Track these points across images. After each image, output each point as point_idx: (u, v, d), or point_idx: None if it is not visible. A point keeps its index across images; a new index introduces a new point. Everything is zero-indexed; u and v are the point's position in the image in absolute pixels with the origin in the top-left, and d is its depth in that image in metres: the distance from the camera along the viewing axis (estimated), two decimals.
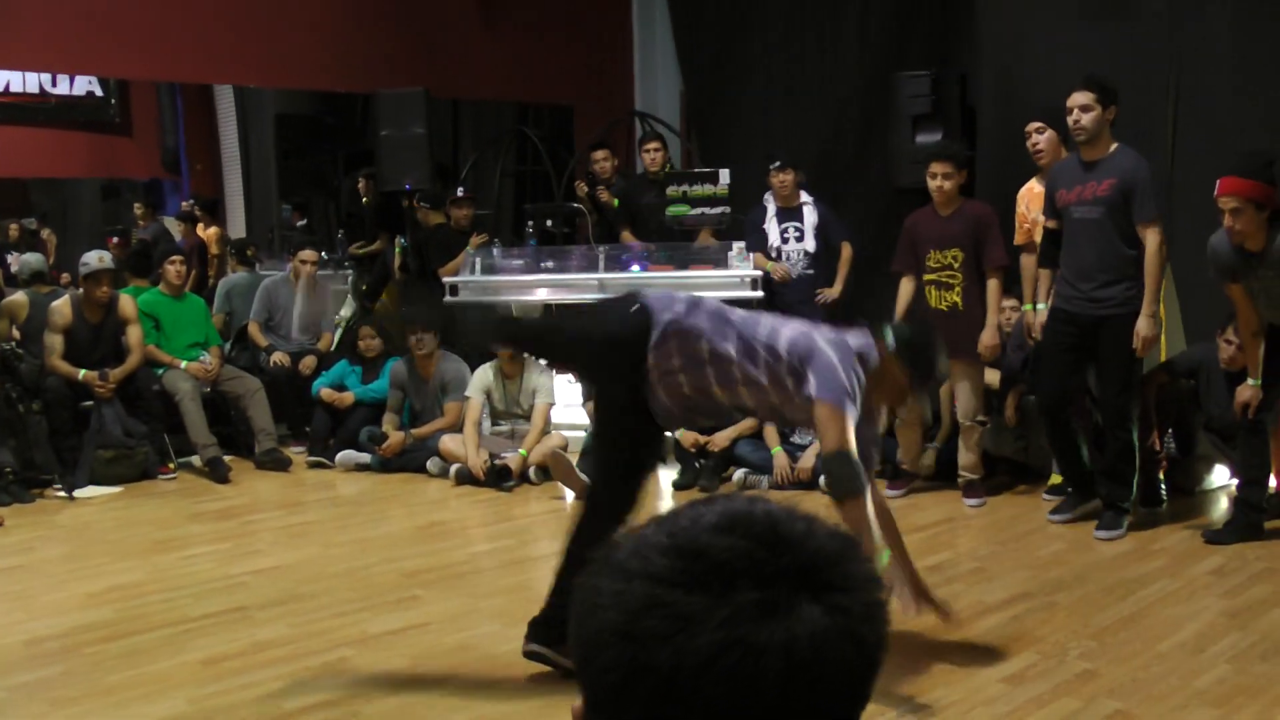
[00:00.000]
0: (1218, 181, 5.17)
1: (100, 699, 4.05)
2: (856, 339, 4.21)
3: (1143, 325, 5.83)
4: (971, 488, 6.83)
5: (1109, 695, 3.98)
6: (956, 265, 6.66)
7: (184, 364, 8.18)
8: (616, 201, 9.39)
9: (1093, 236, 5.92)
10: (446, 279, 8.79)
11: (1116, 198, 5.82)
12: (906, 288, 6.88)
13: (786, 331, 4.14)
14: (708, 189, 8.63)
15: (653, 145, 9.10)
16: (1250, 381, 5.66)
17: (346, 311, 10.57)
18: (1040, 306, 6.35)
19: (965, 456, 6.82)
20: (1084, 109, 5.83)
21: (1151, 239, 5.80)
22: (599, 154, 9.55)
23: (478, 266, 8.78)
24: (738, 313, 4.23)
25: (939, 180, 6.63)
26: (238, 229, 12.88)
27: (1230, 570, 5.42)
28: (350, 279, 10.89)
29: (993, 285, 6.64)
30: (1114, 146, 5.91)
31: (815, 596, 0.94)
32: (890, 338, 4.25)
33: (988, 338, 6.58)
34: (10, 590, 5.47)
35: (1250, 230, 5.16)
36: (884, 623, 0.99)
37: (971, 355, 6.61)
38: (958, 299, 6.66)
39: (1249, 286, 5.43)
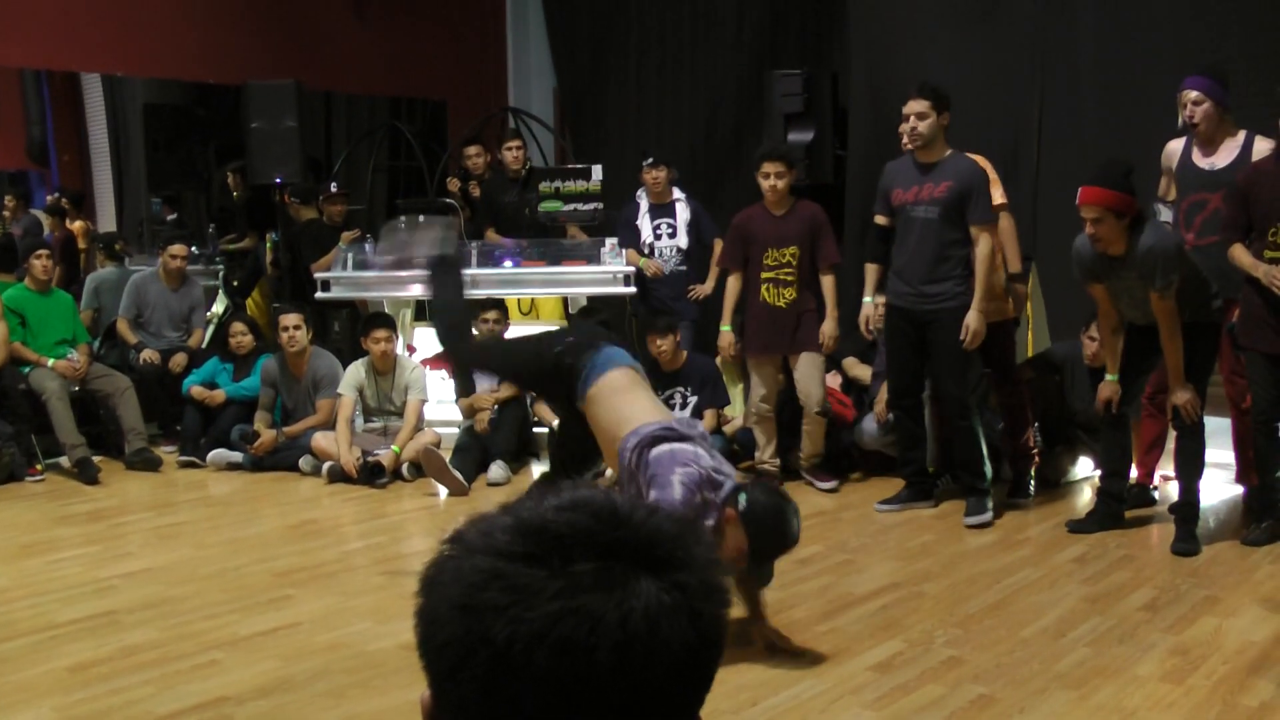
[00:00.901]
0: (1079, 190, 5.32)
1: None
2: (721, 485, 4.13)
3: (972, 319, 6.09)
4: (817, 470, 7.04)
5: (973, 680, 4.10)
6: (795, 263, 6.81)
7: (51, 362, 7.99)
8: None
9: (928, 235, 6.15)
10: (318, 274, 8.71)
11: (952, 199, 6.08)
12: (734, 284, 7.05)
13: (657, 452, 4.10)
14: (580, 185, 8.65)
15: (514, 144, 9.09)
16: (1109, 377, 5.84)
17: (218, 308, 10.42)
18: (866, 300, 6.54)
19: (808, 444, 6.99)
20: (920, 116, 6.08)
21: (984, 241, 6.09)
22: (472, 150, 9.53)
23: (350, 262, 8.70)
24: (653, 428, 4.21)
25: (772, 180, 6.77)
26: (107, 222, 12.59)
27: (1091, 558, 5.59)
28: (221, 274, 10.73)
29: (828, 281, 6.86)
30: (949, 151, 6.18)
31: (653, 572, 0.95)
32: (743, 502, 4.05)
33: (829, 328, 6.79)
34: None
35: (1111, 237, 5.32)
36: (723, 603, 1.00)
37: (814, 346, 6.79)
38: (794, 295, 6.82)
39: (1111, 287, 5.60)
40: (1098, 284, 5.66)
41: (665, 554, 0.96)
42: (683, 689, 0.96)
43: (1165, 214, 6.10)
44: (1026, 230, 6.99)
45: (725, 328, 7.07)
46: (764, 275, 6.88)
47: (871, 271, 6.51)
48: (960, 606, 4.90)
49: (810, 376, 6.84)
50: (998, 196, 6.34)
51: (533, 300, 9.11)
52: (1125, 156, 5.81)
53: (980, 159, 6.35)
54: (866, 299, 6.57)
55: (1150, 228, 5.36)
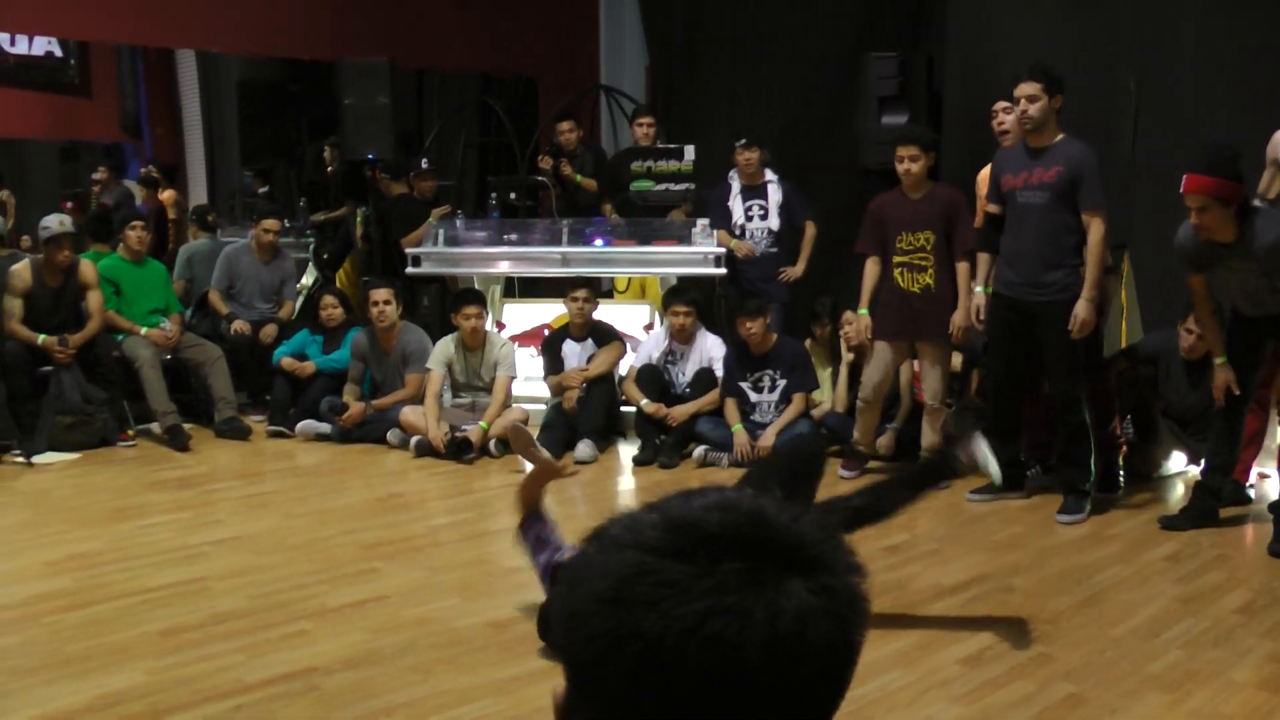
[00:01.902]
0: (1184, 178, 5.19)
1: (58, 669, 4.03)
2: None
3: (1081, 309, 5.91)
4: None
5: (1063, 679, 4.03)
6: (929, 248, 6.68)
7: (144, 330, 8.12)
8: (579, 176, 9.38)
9: (1037, 222, 5.99)
10: (409, 249, 8.76)
11: (1063, 184, 5.91)
12: (872, 269, 6.90)
13: None
14: (673, 165, 8.64)
15: (645, 120, 9.08)
16: (1219, 361, 5.69)
17: (308, 280, 10.53)
18: (979, 290, 6.42)
19: (929, 438, 6.87)
20: (1030, 99, 5.91)
21: (1095, 227, 5.90)
22: (564, 125, 9.53)
23: (440, 238, 8.75)
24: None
25: (906, 164, 6.65)
26: (200, 195, 12.76)
27: (1184, 556, 5.48)
28: (312, 247, 10.83)
29: (963, 268, 6.67)
30: (1060, 135, 6.01)
31: (801, 573, 0.95)
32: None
33: (960, 319, 6.61)
34: None
35: (1217, 226, 5.19)
36: (865, 610, 1.00)
37: (942, 337, 6.65)
38: (930, 281, 6.68)
39: (1216, 276, 5.47)
40: (1199, 274, 5.55)
41: (812, 556, 0.97)
42: (825, 691, 0.97)
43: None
44: (1121, 218, 6.86)
45: (862, 311, 6.92)
46: (897, 260, 6.75)
47: (983, 261, 6.39)
48: (1050, 602, 4.82)
49: (933, 366, 6.74)
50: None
51: (629, 280, 9.13)
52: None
53: None
54: (978, 289, 6.47)
55: (1264, 217, 5.22)
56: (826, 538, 1.00)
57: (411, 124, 11.16)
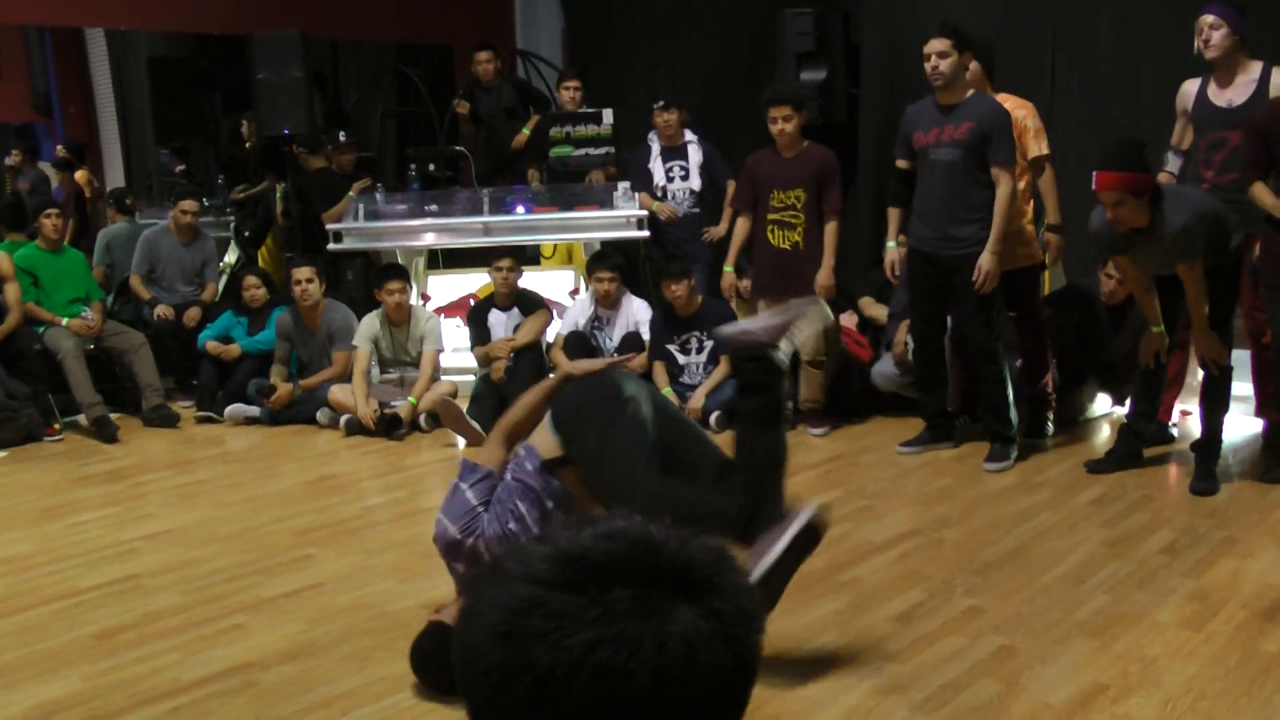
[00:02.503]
0: (1094, 175, 5.25)
1: None
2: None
3: (985, 260, 6.01)
4: (813, 416, 7.08)
5: (994, 631, 4.10)
6: (799, 206, 6.80)
7: (65, 321, 8.00)
8: (526, 130, 9.28)
9: (949, 178, 6.05)
10: (330, 225, 8.68)
11: (974, 141, 5.98)
12: (743, 225, 7.08)
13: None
14: (591, 129, 8.61)
15: (571, 84, 9.01)
16: (1155, 329, 5.78)
17: (231, 258, 10.42)
18: (890, 244, 6.49)
19: (805, 390, 7.03)
20: (941, 55, 5.97)
21: (1004, 182, 5.98)
22: (482, 55, 9.43)
23: (361, 212, 8.69)
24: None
25: (780, 124, 6.76)
26: (116, 176, 12.57)
27: (1110, 499, 5.58)
28: (233, 225, 10.71)
29: (831, 227, 6.84)
30: (970, 92, 6.07)
31: (689, 598, 0.96)
32: None
33: (823, 278, 6.77)
34: None
35: (1132, 216, 5.27)
36: (757, 629, 1.01)
37: (811, 293, 6.74)
38: (799, 238, 6.83)
39: (1134, 257, 5.56)
40: (1121, 256, 5.64)
41: (701, 580, 0.98)
42: (718, 712, 0.98)
43: (1174, 162, 6.03)
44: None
45: (727, 268, 7.16)
46: (770, 217, 6.88)
47: (894, 216, 6.48)
48: (980, 553, 4.90)
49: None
50: (1042, 147, 6.32)
51: (554, 245, 9.11)
52: (1139, 101, 5.75)
53: (1024, 104, 6.31)
54: (890, 243, 6.53)
55: (1171, 200, 5.29)
56: (716, 560, 1.01)
57: (327, 97, 11.01)
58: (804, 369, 6.99)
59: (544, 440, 3.85)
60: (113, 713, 3.70)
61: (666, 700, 0.93)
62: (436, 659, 3.67)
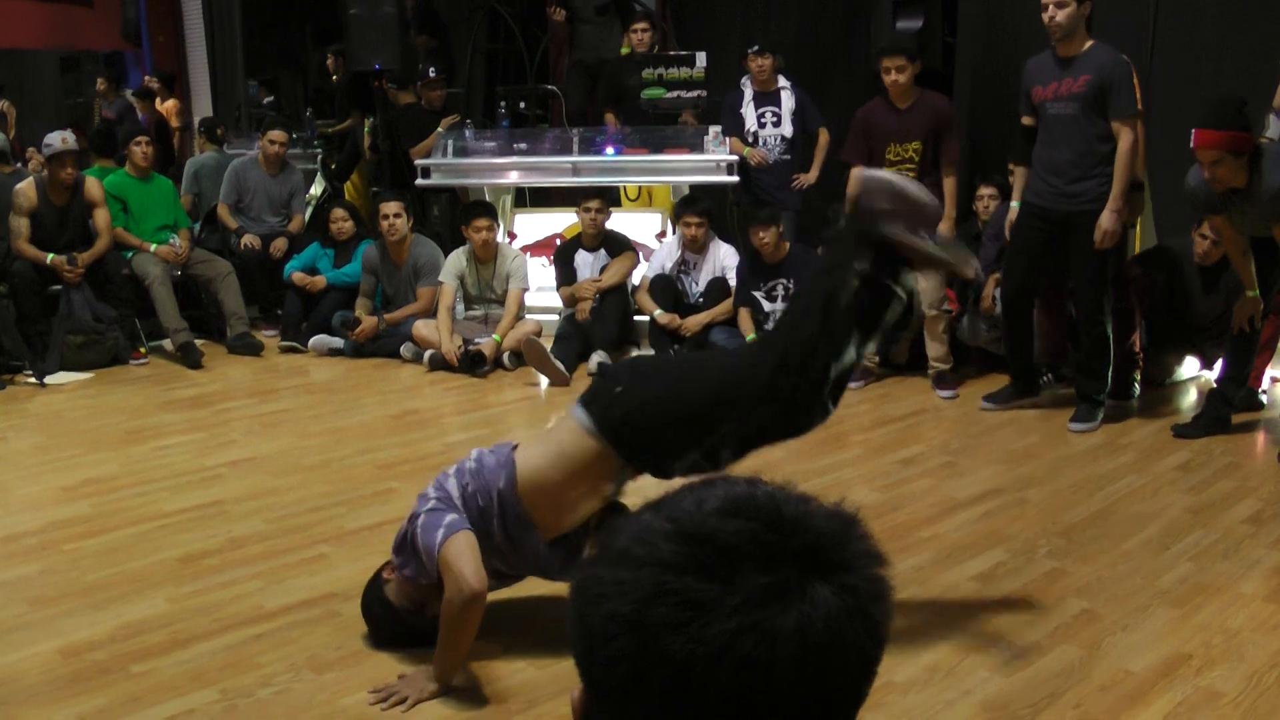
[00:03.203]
0: (1193, 133, 5.14)
1: (80, 599, 4.07)
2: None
3: (1105, 219, 5.84)
4: (942, 379, 6.88)
5: (1076, 594, 4.05)
6: (917, 159, 6.67)
7: (153, 247, 8.10)
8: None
9: (1068, 132, 5.89)
10: (418, 160, 8.70)
11: (1092, 94, 5.79)
12: (857, 177, 6.88)
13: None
14: (684, 72, 8.53)
15: (640, 26, 8.93)
16: (1250, 294, 5.68)
17: (316, 191, 10.47)
18: (1015, 204, 6.35)
19: (933, 347, 6.87)
20: (1058, 4, 5.76)
21: (1124, 136, 5.79)
22: None
23: (449, 148, 8.69)
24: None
25: (893, 74, 6.63)
26: (203, 106, 12.67)
27: (1196, 465, 5.49)
28: (319, 159, 10.76)
29: (948, 182, 6.70)
30: (1089, 43, 5.86)
31: (824, 577, 0.94)
32: None
33: (944, 229, 6.58)
34: None
35: (1230, 176, 5.16)
36: (889, 599, 0.99)
37: None
38: None
39: (1232, 217, 5.45)
40: (1217, 215, 5.53)
41: (833, 556, 0.96)
42: (857, 686, 0.97)
43: (1275, 126, 5.87)
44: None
45: None
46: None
47: (1020, 174, 6.29)
48: (1063, 515, 4.84)
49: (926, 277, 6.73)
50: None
51: (640, 188, 9.05)
52: (1243, 60, 5.59)
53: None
54: (1014, 203, 6.40)
55: (1271, 160, 5.16)
56: (844, 528, 0.99)
57: (437, 34, 10.95)
58: (928, 322, 6.85)
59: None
60: (197, 636, 3.76)
61: (809, 683, 0.92)
62: (371, 612, 3.69)
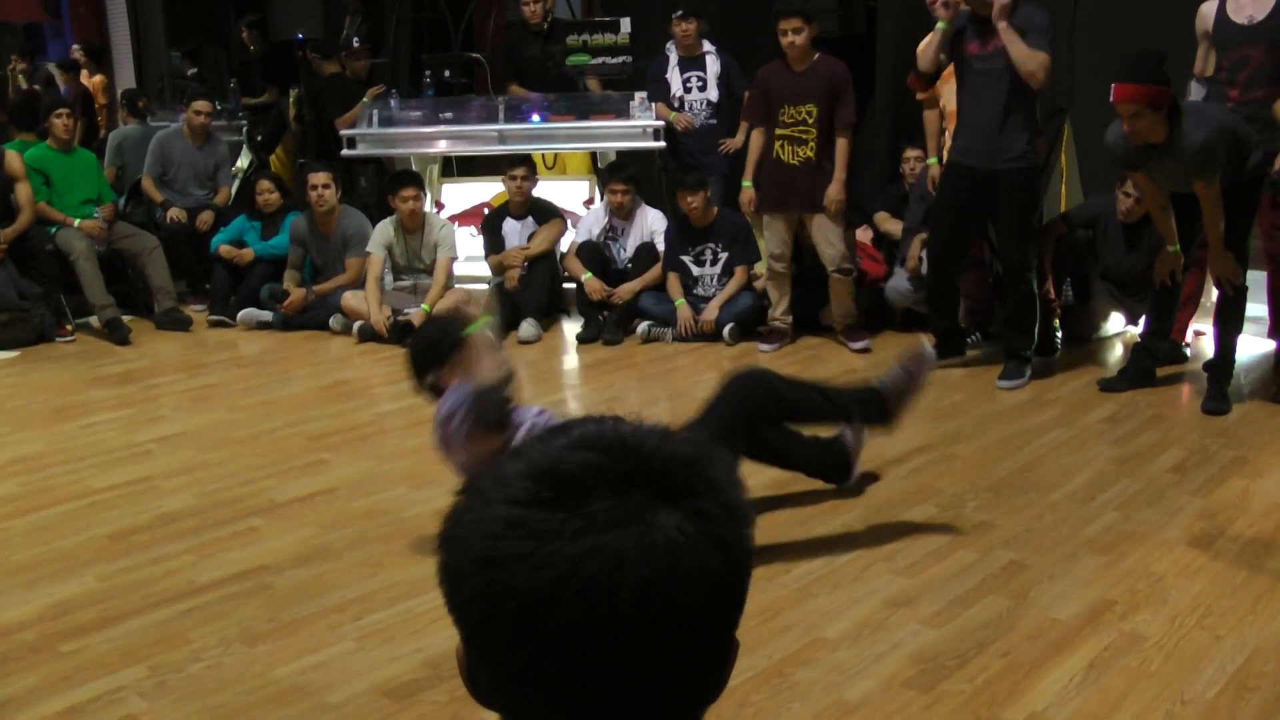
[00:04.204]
0: (1113, 87, 5.19)
1: (9, 578, 4.03)
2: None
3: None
4: (851, 331, 7.01)
5: (1004, 546, 4.12)
6: (811, 121, 6.72)
7: (77, 221, 7.99)
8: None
9: (993, 88, 5.94)
10: (344, 131, 8.64)
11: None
12: (757, 140, 6.97)
13: None
14: (609, 38, 8.51)
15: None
16: (1171, 248, 5.75)
17: (243, 163, 10.37)
18: (931, 161, 6.42)
19: (837, 306, 6.97)
20: None
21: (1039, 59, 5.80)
22: None
23: (375, 118, 8.64)
24: None
25: (790, 36, 6.65)
26: (126, 78, 12.47)
27: (1121, 418, 5.58)
28: (245, 130, 10.65)
29: (842, 143, 6.74)
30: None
31: (671, 501, 0.93)
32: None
33: (834, 192, 6.70)
34: None
35: (1150, 130, 5.21)
36: (747, 523, 0.98)
37: (818, 208, 6.76)
38: (810, 154, 6.74)
39: (1150, 172, 5.51)
40: (1136, 172, 5.60)
41: (682, 482, 0.95)
42: (714, 615, 0.95)
43: (1198, 91, 5.93)
44: (1060, 81, 6.84)
45: (746, 184, 6.99)
46: (779, 132, 6.79)
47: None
48: (991, 469, 4.92)
49: (825, 237, 6.79)
50: None
51: (556, 155, 9.01)
52: (1160, 18, 5.64)
53: None
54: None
55: (1191, 116, 5.23)
56: (698, 456, 0.97)
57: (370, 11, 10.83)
58: (831, 281, 6.92)
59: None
60: (128, 612, 3.74)
61: (658, 609, 0.90)
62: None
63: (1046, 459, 5.04)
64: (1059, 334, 6.72)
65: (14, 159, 7.77)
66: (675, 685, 0.95)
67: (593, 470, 0.93)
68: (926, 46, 6.12)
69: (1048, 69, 5.84)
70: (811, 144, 6.71)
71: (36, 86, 11.84)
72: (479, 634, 0.95)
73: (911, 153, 7.29)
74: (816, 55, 6.76)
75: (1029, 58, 5.75)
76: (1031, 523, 4.33)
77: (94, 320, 7.85)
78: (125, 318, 7.84)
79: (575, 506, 0.91)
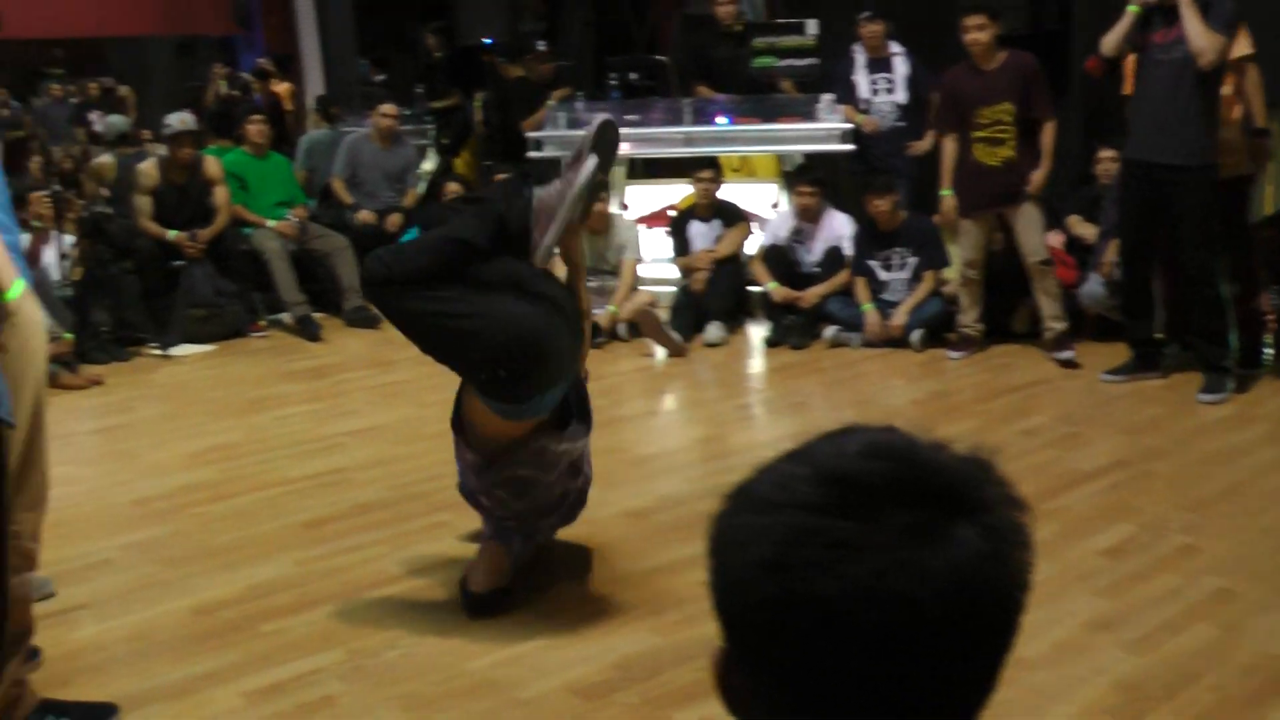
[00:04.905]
0: None
1: (209, 560, 4.14)
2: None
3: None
4: (1059, 341, 6.72)
5: (1211, 572, 3.92)
6: (1009, 120, 6.53)
7: (271, 223, 8.21)
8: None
9: (1172, 80, 5.70)
10: (529, 133, 8.72)
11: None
12: (950, 147, 6.80)
13: None
14: (795, 40, 8.46)
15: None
16: None
17: (430, 166, 10.54)
18: (944, 192, 6.25)
19: (1047, 305, 6.73)
20: None
21: (1216, 40, 5.54)
22: None
23: (561, 121, 8.69)
24: None
25: (973, 34, 6.50)
26: (316, 85, 12.81)
27: None
28: (432, 133, 10.83)
29: (1048, 128, 6.57)
30: None
31: (967, 517, 0.92)
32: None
33: (1039, 176, 6.53)
34: (115, 449, 5.60)
35: None
36: (1030, 544, 0.97)
37: (1025, 197, 6.57)
38: (1010, 152, 6.56)
39: None
40: None
41: (973, 498, 0.94)
42: (1002, 632, 0.96)
43: None
44: (1271, 79, 6.55)
45: (945, 192, 6.82)
46: (976, 135, 6.62)
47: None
48: (1194, 489, 4.70)
49: (1028, 226, 6.61)
50: (1245, 46, 5.91)
51: (743, 158, 8.98)
52: None
53: None
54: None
55: None
56: (980, 471, 0.97)
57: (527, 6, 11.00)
58: (1035, 275, 6.68)
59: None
60: (325, 597, 3.82)
61: (956, 624, 0.90)
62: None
63: (1255, 479, 4.81)
64: (1269, 347, 6.37)
65: (213, 164, 8.03)
66: (955, 695, 0.96)
67: (885, 480, 0.93)
68: (1113, 29, 5.92)
69: (1219, 51, 5.57)
70: (1010, 143, 6.53)
71: (236, 91, 12.22)
72: (763, 639, 0.94)
73: (1105, 153, 7.06)
74: (1003, 52, 6.60)
75: (1201, 33, 5.51)
76: (1242, 548, 4.12)
77: (286, 317, 8.06)
78: (316, 315, 8.02)
79: (872, 516, 0.91)
